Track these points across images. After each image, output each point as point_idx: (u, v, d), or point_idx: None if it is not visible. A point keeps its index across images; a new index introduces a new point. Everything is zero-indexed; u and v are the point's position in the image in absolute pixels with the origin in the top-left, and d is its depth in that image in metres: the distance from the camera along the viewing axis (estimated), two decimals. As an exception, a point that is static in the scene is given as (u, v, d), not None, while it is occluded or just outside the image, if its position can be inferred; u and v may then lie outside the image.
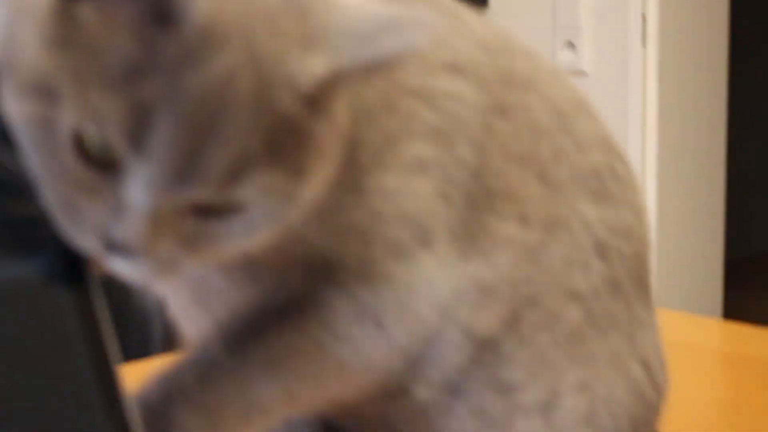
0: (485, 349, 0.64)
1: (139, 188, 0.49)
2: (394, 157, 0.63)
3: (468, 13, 0.69)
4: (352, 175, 0.61)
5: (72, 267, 0.55)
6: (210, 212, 0.51)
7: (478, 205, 0.65)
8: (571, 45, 2.32)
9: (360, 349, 0.62)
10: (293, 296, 0.62)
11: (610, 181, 0.70)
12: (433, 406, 0.65)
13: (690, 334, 1.18)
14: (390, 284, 0.62)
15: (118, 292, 0.61)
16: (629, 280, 0.69)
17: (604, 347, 0.67)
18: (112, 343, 0.54)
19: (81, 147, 0.49)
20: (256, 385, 0.61)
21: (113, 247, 0.50)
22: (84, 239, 0.51)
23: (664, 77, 2.27)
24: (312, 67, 0.52)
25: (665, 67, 2.27)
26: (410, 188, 0.63)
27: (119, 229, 0.50)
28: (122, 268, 0.52)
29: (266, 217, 0.53)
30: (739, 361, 1.06)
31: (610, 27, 2.29)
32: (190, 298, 0.65)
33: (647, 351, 0.69)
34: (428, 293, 0.62)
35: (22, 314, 0.53)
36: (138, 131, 0.48)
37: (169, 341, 0.64)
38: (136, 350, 1.09)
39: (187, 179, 0.49)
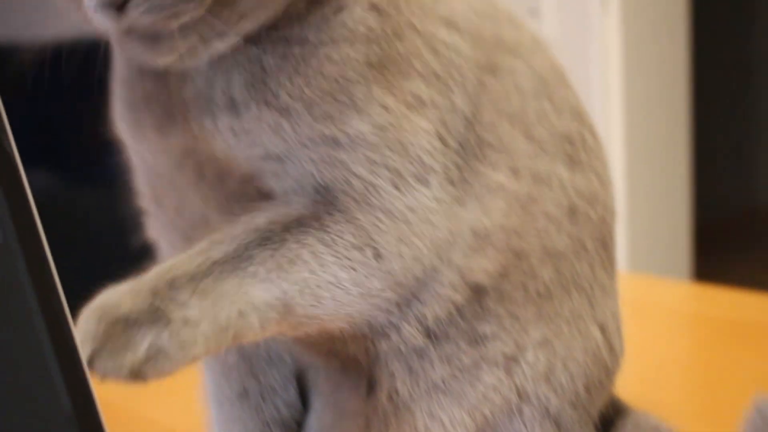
0: (472, 300, 0.67)
1: None
2: (395, 84, 0.65)
3: None
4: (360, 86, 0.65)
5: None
6: None
7: (471, 152, 0.68)
8: (533, 13, 2.32)
9: (357, 273, 0.63)
10: (298, 216, 0.64)
11: (580, 149, 0.74)
12: (413, 350, 0.66)
13: (658, 295, 1.19)
14: (390, 215, 0.64)
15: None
16: (594, 244, 0.72)
17: (566, 307, 0.70)
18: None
19: None
20: (257, 285, 0.62)
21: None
22: None
23: (626, 44, 2.28)
24: None
25: (627, 33, 2.28)
26: (409, 120, 0.65)
27: None
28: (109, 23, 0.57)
29: None
30: (706, 322, 1.07)
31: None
32: (186, 242, 0.67)
33: (606, 315, 0.72)
34: (426, 230, 0.65)
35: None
36: None
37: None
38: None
39: None
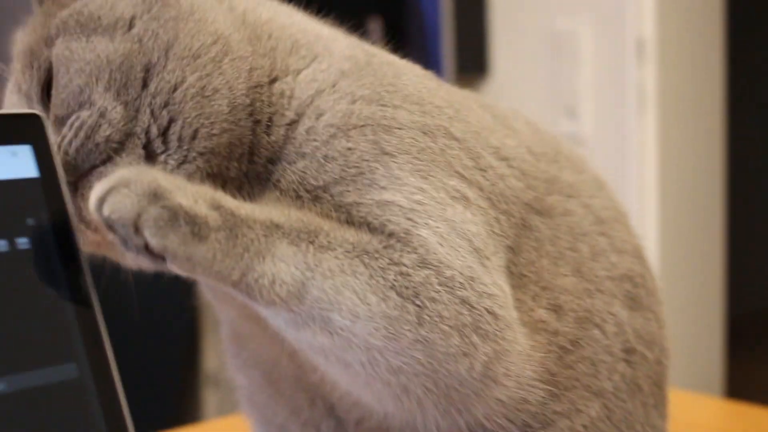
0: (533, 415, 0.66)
1: None
2: (433, 177, 0.67)
3: (522, 125, 0.74)
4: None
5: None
6: None
7: (512, 282, 0.68)
8: (571, 112, 2.36)
9: (393, 318, 0.62)
10: (360, 235, 0.65)
11: (641, 289, 0.74)
12: None
13: (690, 412, 1.19)
14: (442, 280, 0.63)
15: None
16: (649, 386, 0.73)
17: None
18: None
19: None
20: (287, 249, 0.63)
21: None
22: None
23: (662, 143, 2.30)
24: None
25: (664, 133, 2.30)
26: (453, 207, 0.66)
27: None
28: None
29: None
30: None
31: (609, 94, 2.32)
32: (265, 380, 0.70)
33: None
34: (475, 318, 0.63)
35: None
36: None
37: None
38: None
39: None
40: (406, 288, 0.62)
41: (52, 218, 0.64)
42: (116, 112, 0.68)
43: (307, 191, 0.68)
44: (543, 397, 0.67)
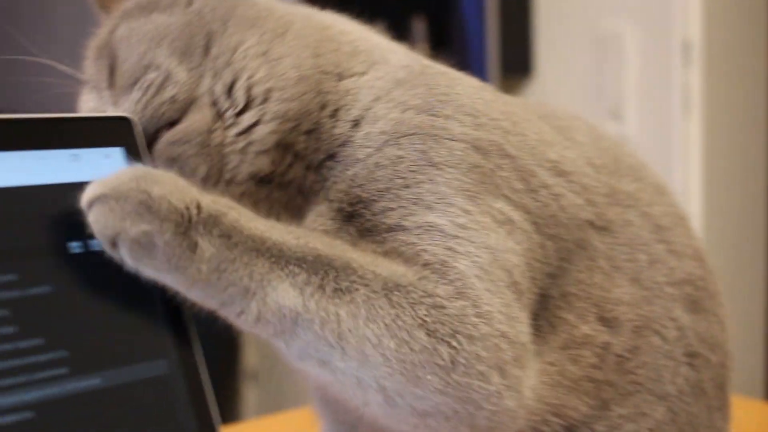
0: (578, 425, 0.67)
1: None
2: (480, 199, 0.66)
3: (583, 134, 0.75)
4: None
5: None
6: None
7: (553, 302, 0.68)
8: (615, 114, 2.36)
9: (412, 354, 0.60)
10: (383, 264, 0.63)
11: (702, 292, 0.75)
12: None
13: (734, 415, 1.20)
14: (477, 310, 0.61)
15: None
16: (712, 389, 0.74)
17: None
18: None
19: None
20: (286, 282, 0.61)
21: None
22: None
23: (707, 145, 2.30)
24: None
25: (709, 135, 2.30)
26: (496, 232, 0.65)
27: None
28: None
29: None
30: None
31: (654, 97, 2.32)
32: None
33: None
34: (508, 350, 0.61)
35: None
36: None
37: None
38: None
39: None
40: (441, 323, 0.60)
41: None
42: (180, 74, 0.70)
43: (351, 204, 0.68)
44: (590, 406, 0.68)
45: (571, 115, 0.79)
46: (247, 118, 0.71)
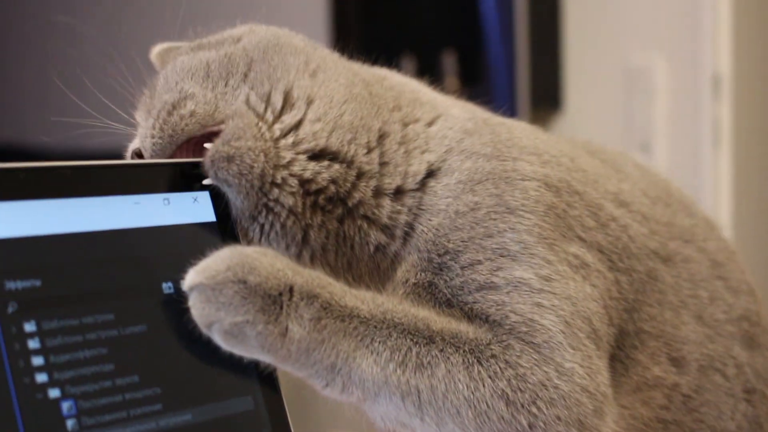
0: None
1: None
2: (557, 245, 0.67)
3: (632, 168, 0.76)
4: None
5: None
6: None
7: (630, 341, 0.70)
8: (645, 148, 2.37)
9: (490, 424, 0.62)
10: (460, 330, 0.65)
11: (757, 328, 0.76)
12: None
13: None
14: (558, 369, 0.63)
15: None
16: None
17: None
18: None
19: None
20: (370, 359, 0.64)
21: None
22: None
23: (737, 180, 2.30)
24: None
25: (739, 170, 2.30)
26: (574, 280, 0.67)
27: None
28: None
29: None
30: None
31: (684, 130, 2.32)
32: None
33: None
34: (585, 404, 0.63)
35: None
36: None
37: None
38: None
39: None
40: (521, 392, 0.62)
41: None
42: (203, 95, 0.72)
43: (440, 255, 0.69)
44: None
45: (616, 150, 0.81)
46: (289, 117, 0.73)
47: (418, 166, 0.74)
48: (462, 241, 0.69)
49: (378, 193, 0.74)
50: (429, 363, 0.63)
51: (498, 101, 2.47)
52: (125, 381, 0.62)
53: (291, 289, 0.64)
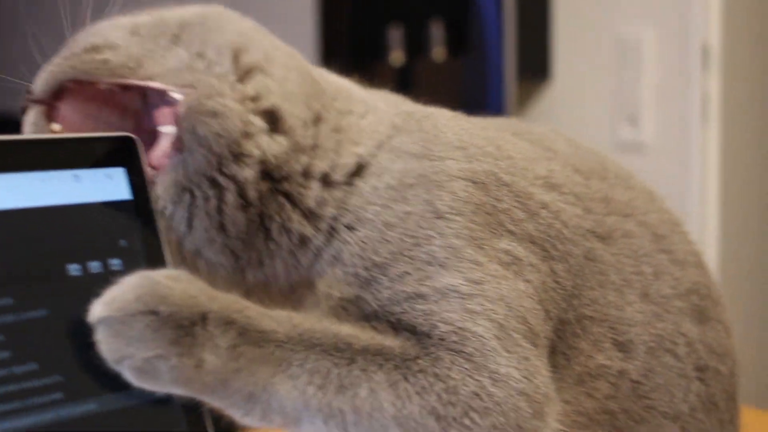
0: None
1: None
2: (486, 243, 0.64)
3: (562, 144, 0.73)
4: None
5: None
6: None
7: (571, 330, 0.67)
8: (633, 119, 2.34)
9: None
10: (383, 346, 0.62)
11: (707, 300, 0.73)
12: None
13: (754, 430, 1.18)
14: (492, 376, 0.61)
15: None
16: (724, 401, 0.73)
17: None
18: None
19: None
20: (288, 384, 0.61)
21: None
22: None
23: (725, 152, 2.28)
24: None
25: (727, 142, 2.28)
26: (506, 278, 0.64)
27: None
28: None
29: None
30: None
31: (672, 102, 2.30)
32: None
33: None
34: (524, 407, 0.61)
35: None
36: None
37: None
38: None
39: None
40: (452, 406, 0.60)
41: (144, 240, 0.65)
42: (127, 47, 0.70)
43: (367, 269, 0.66)
44: (616, 427, 0.67)
45: (546, 128, 0.78)
46: (252, 84, 0.69)
47: (348, 158, 0.70)
48: (391, 254, 0.65)
49: (306, 173, 0.70)
50: (351, 383, 0.61)
51: (486, 71, 2.45)
52: (22, 369, 0.59)
53: (205, 318, 0.60)
